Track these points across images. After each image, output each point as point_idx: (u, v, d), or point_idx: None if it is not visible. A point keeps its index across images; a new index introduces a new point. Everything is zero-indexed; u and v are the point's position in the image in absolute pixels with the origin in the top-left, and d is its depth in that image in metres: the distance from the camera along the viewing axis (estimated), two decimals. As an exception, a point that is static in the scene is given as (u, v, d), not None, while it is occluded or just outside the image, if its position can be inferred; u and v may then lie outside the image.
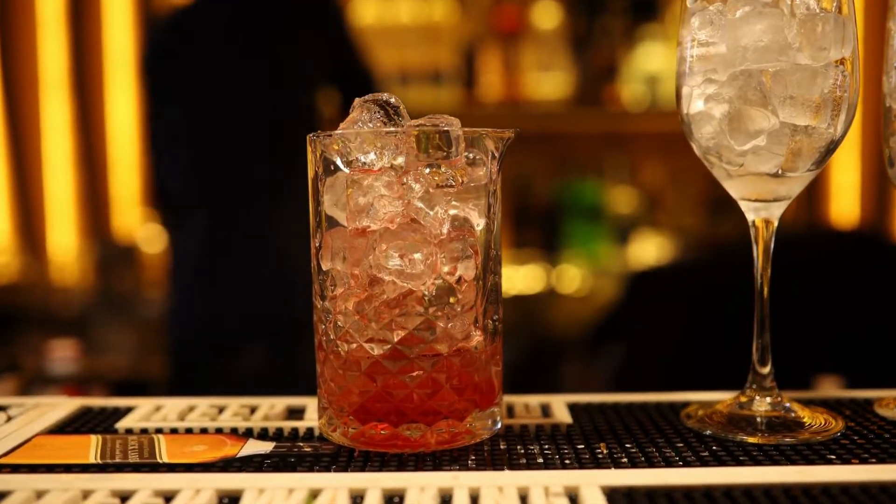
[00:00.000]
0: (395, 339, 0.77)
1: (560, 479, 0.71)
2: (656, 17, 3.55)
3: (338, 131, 0.78)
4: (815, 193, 3.78)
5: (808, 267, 1.96)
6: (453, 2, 3.62)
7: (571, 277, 3.58)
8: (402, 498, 0.69)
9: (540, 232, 3.66)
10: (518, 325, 3.44)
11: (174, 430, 0.88)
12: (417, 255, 0.76)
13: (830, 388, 1.60)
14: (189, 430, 0.88)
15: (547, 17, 3.59)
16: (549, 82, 3.53)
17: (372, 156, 0.76)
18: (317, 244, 0.81)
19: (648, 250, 3.60)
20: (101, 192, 3.90)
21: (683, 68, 0.83)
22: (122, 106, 3.89)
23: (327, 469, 0.75)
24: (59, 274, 3.77)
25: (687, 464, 0.75)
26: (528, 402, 0.95)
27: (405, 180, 0.76)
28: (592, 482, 0.70)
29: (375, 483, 0.71)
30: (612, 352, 2.36)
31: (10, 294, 3.63)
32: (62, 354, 2.79)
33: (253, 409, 0.95)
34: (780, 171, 0.81)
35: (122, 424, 0.90)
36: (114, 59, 3.88)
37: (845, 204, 3.75)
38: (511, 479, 0.71)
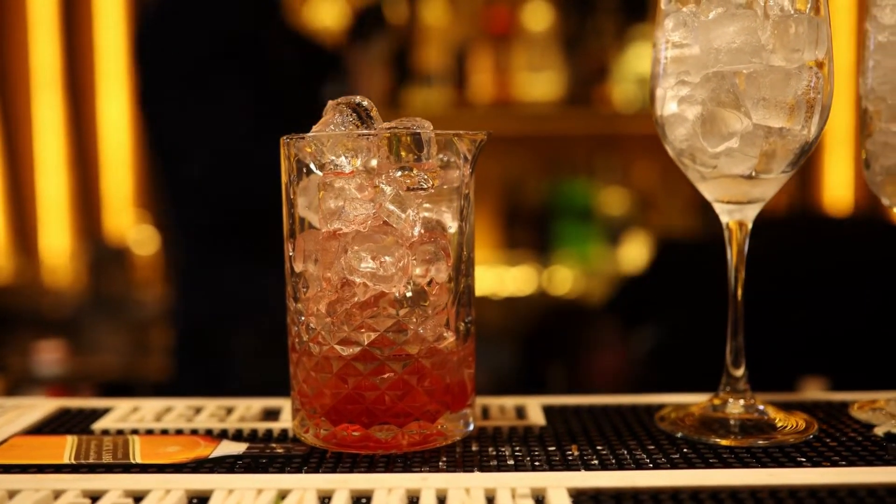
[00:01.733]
0: (366, 341, 0.77)
1: (528, 480, 0.71)
2: (647, 17, 3.55)
3: (311, 133, 0.78)
4: (807, 179, 3.79)
5: (803, 251, 1.95)
6: (444, 3, 3.62)
7: (563, 278, 3.57)
8: (369, 499, 0.69)
9: (531, 233, 3.66)
10: (509, 326, 3.44)
11: (150, 431, 0.88)
12: (388, 258, 0.76)
13: (814, 390, 1.60)
14: (165, 431, 0.88)
15: (538, 18, 3.59)
16: (540, 83, 3.53)
17: (344, 159, 0.76)
18: (291, 247, 0.81)
19: (640, 251, 3.60)
20: (94, 194, 3.90)
21: (657, 70, 0.84)
22: (114, 107, 3.88)
23: (298, 470, 0.75)
24: (52, 275, 3.76)
25: (657, 466, 0.75)
26: (503, 404, 0.95)
27: (377, 183, 0.76)
28: (560, 484, 0.70)
29: (344, 484, 0.71)
30: (643, 334, 2.33)
31: (2, 295, 3.63)
32: (48, 355, 2.78)
33: (230, 410, 0.95)
34: (753, 173, 0.81)
35: (98, 425, 0.90)
36: (106, 60, 3.87)
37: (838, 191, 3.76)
38: (479, 481, 0.71)
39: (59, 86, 3.83)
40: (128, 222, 3.88)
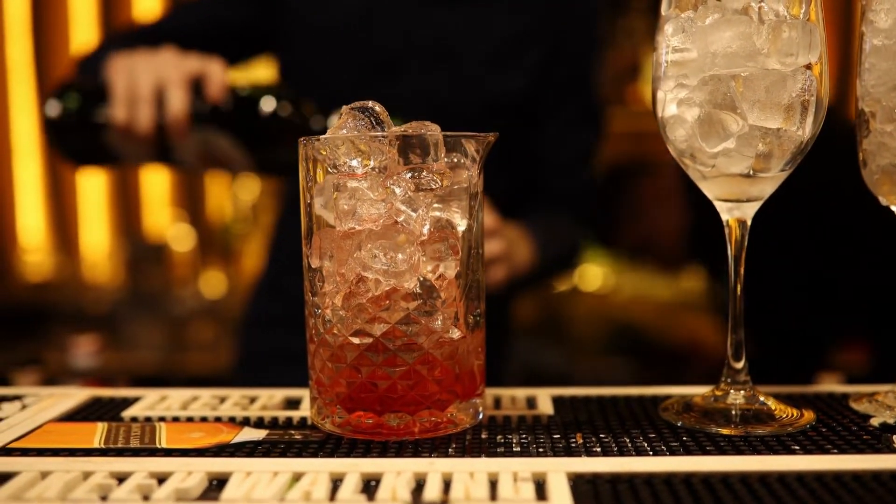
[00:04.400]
0: (378, 333, 0.81)
1: (529, 465, 0.75)
2: (679, 17, 3.56)
3: (325, 136, 0.83)
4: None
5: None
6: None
7: (594, 276, 3.60)
8: (378, 482, 0.73)
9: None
10: (541, 322, 3.48)
11: (176, 419, 0.93)
12: (400, 255, 0.80)
13: (831, 384, 1.62)
14: (190, 419, 0.93)
15: (570, 17, 3.61)
16: (571, 82, 3.55)
17: (356, 160, 0.81)
18: (307, 244, 0.86)
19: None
20: (132, 192, 3.98)
21: (659, 73, 0.87)
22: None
23: (314, 455, 0.79)
24: (91, 271, 3.84)
25: (656, 453, 0.79)
26: (514, 395, 0.99)
27: (388, 184, 0.80)
28: (560, 468, 0.74)
29: (355, 468, 0.75)
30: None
31: (43, 291, 3.71)
32: (85, 349, 2.84)
33: (253, 400, 0.99)
34: (751, 172, 0.85)
35: (127, 413, 0.95)
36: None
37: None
38: (483, 466, 0.75)
39: (99, 86, 3.89)
40: (166, 220, 3.95)
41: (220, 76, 1.32)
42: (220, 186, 4.00)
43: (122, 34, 1.74)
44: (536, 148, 1.78)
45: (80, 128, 1.36)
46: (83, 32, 3.89)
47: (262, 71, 1.84)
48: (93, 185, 3.92)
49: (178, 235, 3.79)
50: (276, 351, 1.81)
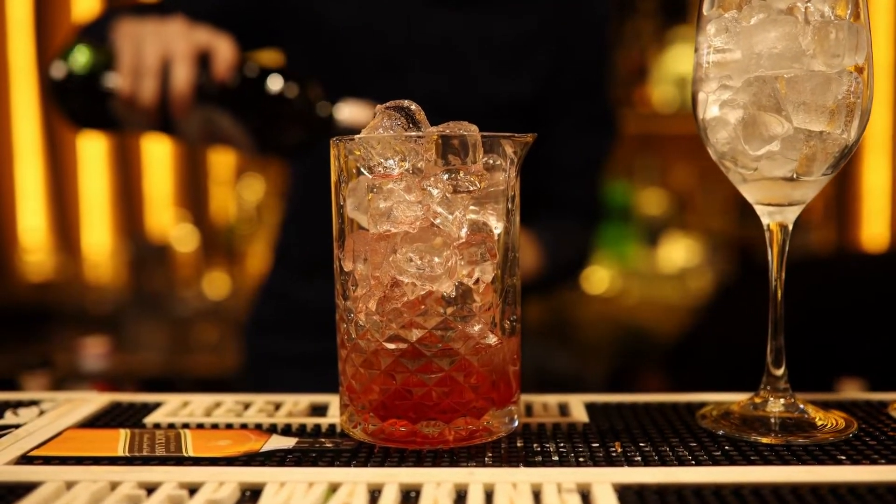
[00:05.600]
0: (414, 339, 0.79)
1: (573, 476, 0.73)
2: (686, 19, 3.56)
3: (360, 136, 0.80)
4: (845, 195, 3.78)
5: (837, 286, 1.97)
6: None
7: (601, 278, 3.58)
8: (418, 493, 0.71)
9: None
10: (547, 325, 3.46)
11: (200, 426, 0.91)
12: (436, 259, 0.78)
13: (852, 391, 1.60)
14: (215, 426, 0.90)
15: (577, 19, 3.59)
16: (578, 84, 3.53)
17: (392, 161, 0.78)
18: (339, 247, 0.84)
19: (678, 252, 3.60)
20: (135, 192, 3.95)
21: (700, 74, 0.85)
22: (156, 106, 3.92)
23: (347, 464, 0.77)
24: (94, 272, 3.81)
25: (699, 463, 0.77)
26: (546, 402, 0.97)
27: (424, 185, 0.78)
28: (605, 479, 0.72)
29: (393, 478, 0.73)
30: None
31: (45, 292, 3.69)
32: (94, 351, 2.82)
33: (277, 406, 0.97)
34: (794, 176, 0.83)
35: (150, 419, 0.92)
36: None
37: (877, 206, 3.75)
38: (525, 476, 0.73)
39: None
40: (169, 220, 3.93)
41: (228, 53, 1.29)
42: (224, 187, 3.98)
43: (126, 7, 1.71)
44: (545, 152, 1.77)
45: (83, 92, 1.35)
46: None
47: (271, 52, 1.82)
48: (95, 185, 3.89)
49: (181, 236, 3.77)
50: (279, 355, 1.80)
